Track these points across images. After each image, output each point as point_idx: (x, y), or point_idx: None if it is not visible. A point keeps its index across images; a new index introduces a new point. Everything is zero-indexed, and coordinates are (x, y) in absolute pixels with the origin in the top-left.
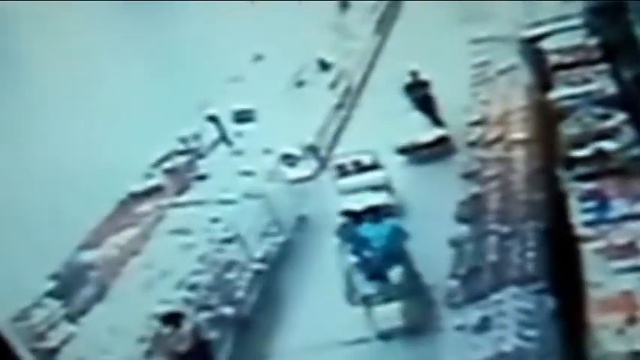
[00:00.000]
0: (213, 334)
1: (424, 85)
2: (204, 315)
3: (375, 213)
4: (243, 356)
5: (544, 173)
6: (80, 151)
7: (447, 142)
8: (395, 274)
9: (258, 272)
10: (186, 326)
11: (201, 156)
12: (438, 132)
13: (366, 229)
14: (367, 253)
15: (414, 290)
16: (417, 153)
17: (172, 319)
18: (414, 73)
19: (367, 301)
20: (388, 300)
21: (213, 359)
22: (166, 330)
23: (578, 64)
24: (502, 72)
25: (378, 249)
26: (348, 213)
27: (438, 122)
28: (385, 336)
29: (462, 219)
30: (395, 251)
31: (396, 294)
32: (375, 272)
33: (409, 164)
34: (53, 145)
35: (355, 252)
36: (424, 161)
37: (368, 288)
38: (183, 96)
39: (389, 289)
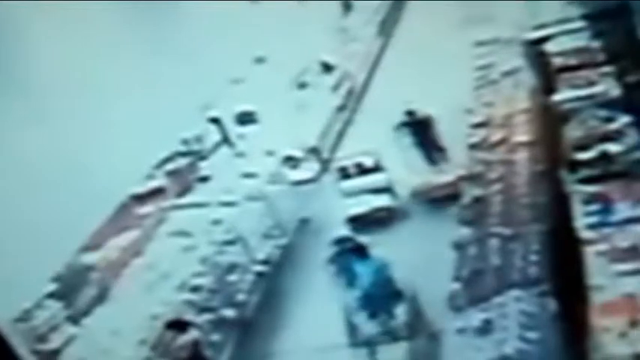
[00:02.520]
0: (215, 336)
1: (423, 123)
2: (206, 317)
3: (360, 250)
4: (245, 358)
5: (547, 176)
6: (82, 152)
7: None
8: (400, 312)
9: (259, 274)
10: (189, 335)
11: (203, 158)
12: (448, 176)
13: (355, 266)
14: (367, 290)
15: (419, 329)
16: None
17: (177, 325)
18: (410, 113)
19: (370, 341)
20: (393, 340)
21: None
22: (169, 334)
23: (582, 66)
24: (506, 74)
25: (371, 286)
26: (339, 241)
27: (434, 160)
28: None
29: (464, 221)
30: (397, 288)
31: (402, 333)
32: (378, 311)
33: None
34: (55, 146)
35: (351, 286)
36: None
37: (371, 328)
38: (185, 98)
39: (394, 329)
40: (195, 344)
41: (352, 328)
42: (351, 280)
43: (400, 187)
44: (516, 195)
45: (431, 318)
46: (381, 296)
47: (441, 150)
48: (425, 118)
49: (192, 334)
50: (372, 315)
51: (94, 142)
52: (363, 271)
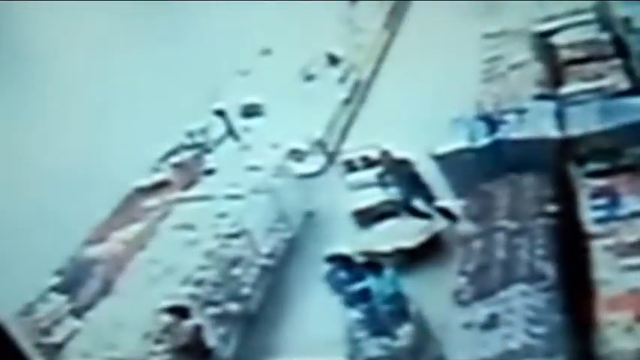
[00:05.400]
0: (220, 330)
1: (403, 164)
2: (211, 311)
3: (374, 266)
4: (249, 352)
5: (554, 169)
6: (86, 144)
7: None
8: (404, 333)
9: (264, 268)
10: (191, 321)
11: (208, 150)
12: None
13: (371, 283)
14: (371, 308)
15: (424, 353)
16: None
17: (177, 311)
18: (385, 153)
19: None
20: None
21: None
22: (170, 320)
23: (591, 59)
24: (514, 67)
25: (383, 303)
26: (334, 258)
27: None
28: None
29: (470, 215)
30: (403, 306)
31: (405, 358)
32: (381, 330)
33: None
34: (59, 138)
35: (349, 304)
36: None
37: (373, 349)
38: (190, 90)
39: (396, 352)
40: (197, 329)
41: (353, 346)
42: (349, 298)
43: None
44: (523, 189)
45: (439, 339)
46: (386, 314)
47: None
48: (402, 161)
49: (193, 320)
50: (375, 334)
51: (99, 134)
52: (380, 287)
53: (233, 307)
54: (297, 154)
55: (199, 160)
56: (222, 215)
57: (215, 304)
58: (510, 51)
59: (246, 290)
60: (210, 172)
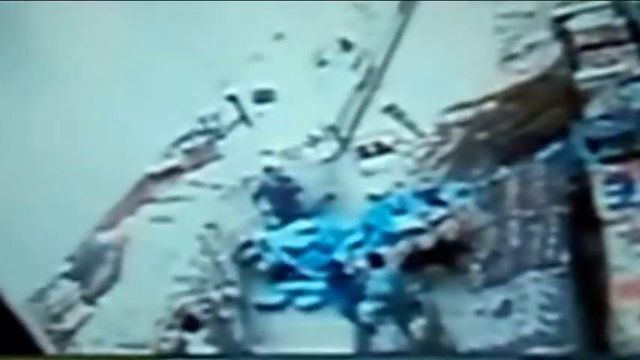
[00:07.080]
0: (224, 314)
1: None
2: (217, 294)
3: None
4: (252, 339)
5: (566, 155)
6: (97, 131)
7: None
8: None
9: None
10: (175, 333)
11: (220, 136)
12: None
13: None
14: (381, 300)
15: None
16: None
17: (189, 321)
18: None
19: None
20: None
21: None
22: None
23: (605, 44)
24: (530, 47)
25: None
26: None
27: None
28: None
29: (481, 203)
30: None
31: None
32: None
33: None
34: (70, 124)
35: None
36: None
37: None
38: (202, 75)
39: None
40: (181, 343)
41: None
42: (360, 291)
43: None
44: (535, 175)
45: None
46: (397, 307)
47: None
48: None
49: (179, 333)
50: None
51: (110, 120)
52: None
53: (231, 291)
54: (309, 140)
55: (211, 146)
56: (224, 197)
57: (219, 287)
58: (525, 33)
59: (232, 275)
60: (219, 157)
